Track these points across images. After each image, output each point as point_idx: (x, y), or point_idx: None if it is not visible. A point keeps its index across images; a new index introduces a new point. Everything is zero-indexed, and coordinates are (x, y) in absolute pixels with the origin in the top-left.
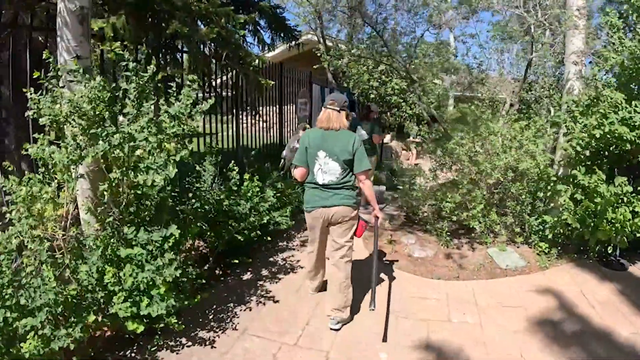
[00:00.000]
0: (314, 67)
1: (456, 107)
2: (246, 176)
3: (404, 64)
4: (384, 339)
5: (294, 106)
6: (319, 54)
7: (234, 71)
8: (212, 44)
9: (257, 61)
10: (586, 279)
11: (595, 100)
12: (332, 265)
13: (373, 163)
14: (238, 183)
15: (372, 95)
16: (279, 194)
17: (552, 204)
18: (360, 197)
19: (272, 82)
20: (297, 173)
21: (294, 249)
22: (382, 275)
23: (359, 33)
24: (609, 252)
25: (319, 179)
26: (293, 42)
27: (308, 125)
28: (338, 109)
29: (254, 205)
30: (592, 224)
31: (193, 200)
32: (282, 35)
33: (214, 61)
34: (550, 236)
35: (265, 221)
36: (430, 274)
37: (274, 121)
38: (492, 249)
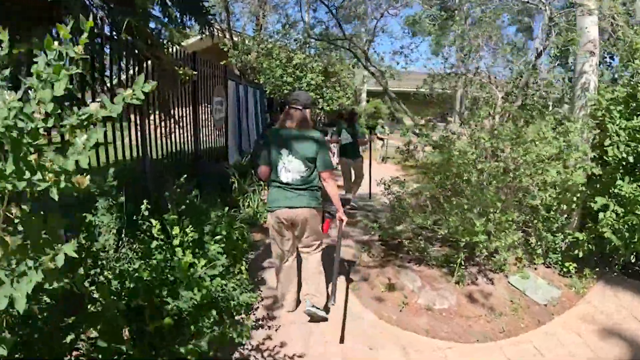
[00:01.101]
0: (221, 63)
1: (369, 101)
2: (175, 231)
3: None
4: None
5: (209, 106)
6: (225, 49)
7: (137, 55)
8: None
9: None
10: (630, 299)
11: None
12: (303, 259)
13: (360, 167)
14: (163, 245)
15: (285, 92)
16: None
17: (573, 218)
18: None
19: (194, 72)
20: (261, 172)
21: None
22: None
23: (270, 25)
24: (632, 262)
25: (283, 177)
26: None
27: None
28: (301, 107)
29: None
30: (628, 237)
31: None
32: (193, 17)
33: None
34: (580, 255)
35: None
36: (472, 334)
37: (188, 125)
38: (513, 278)
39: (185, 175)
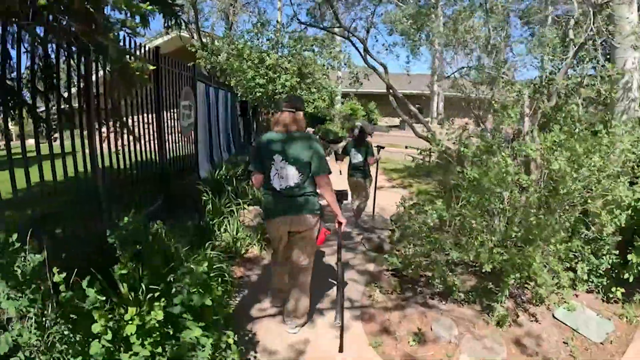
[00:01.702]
0: (189, 65)
1: (344, 103)
2: (129, 311)
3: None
4: None
5: (175, 112)
6: (193, 50)
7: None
8: None
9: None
10: None
11: None
12: (293, 275)
13: (368, 187)
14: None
15: (258, 94)
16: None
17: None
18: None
19: (152, 67)
20: (254, 179)
21: None
22: None
23: (241, 24)
24: None
25: (276, 184)
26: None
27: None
28: (294, 109)
29: None
30: None
31: None
32: (156, 6)
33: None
34: (631, 279)
35: None
36: None
37: (151, 133)
38: (560, 312)
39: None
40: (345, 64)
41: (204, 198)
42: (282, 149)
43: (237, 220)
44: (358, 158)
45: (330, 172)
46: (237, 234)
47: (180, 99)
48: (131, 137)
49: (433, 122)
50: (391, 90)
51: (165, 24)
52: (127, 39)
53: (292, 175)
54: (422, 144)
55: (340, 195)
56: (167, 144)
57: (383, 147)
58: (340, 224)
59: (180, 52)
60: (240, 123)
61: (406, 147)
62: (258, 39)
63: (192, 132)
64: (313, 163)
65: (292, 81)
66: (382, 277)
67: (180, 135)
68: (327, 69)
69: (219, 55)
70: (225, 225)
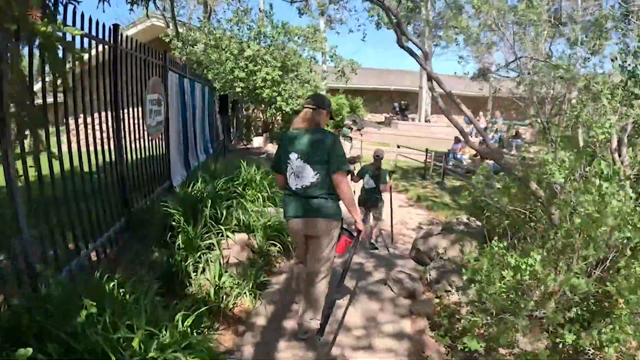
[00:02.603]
0: (159, 51)
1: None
2: None
3: None
4: None
5: (140, 109)
6: (167, 40)
7: None
8: None
9: None
10: None
11: None
12: (309, 281)
13: (382, 209)
14: None
15: (238, 89)
16: None
17: None
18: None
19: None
20: (279, 181)
21: None
22: None
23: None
24: None
25: (292, 184)
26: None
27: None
28: (315, 106)
29: None
30: None
31: None
32: None
33: None
34: None
35: None
36: None
37: (108, 135)
38: None
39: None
40: (331, 58)
41: (175, 221)
42: (298, 147)
43: (220, 259)
44: (371, 184)
45: (349, 171)
46: (219, 279)
47: (147, 92)
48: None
49: (421, 118)
50: (435, 84)
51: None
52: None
53: (308, 175)
54: (414, 142)
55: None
56: (128, 147)
57: (394, 172)
58: (358, 231)
59: (156, 44)
60: (219, 120)
61: (398, 147)
62: (239, 29)
63: (163, 132)
64: (330, 160)
65: (274, 74)
66: (427, 344)
67: (146, 136)
68: (311, 62)
69: (195, 45)
70: (204, 265)
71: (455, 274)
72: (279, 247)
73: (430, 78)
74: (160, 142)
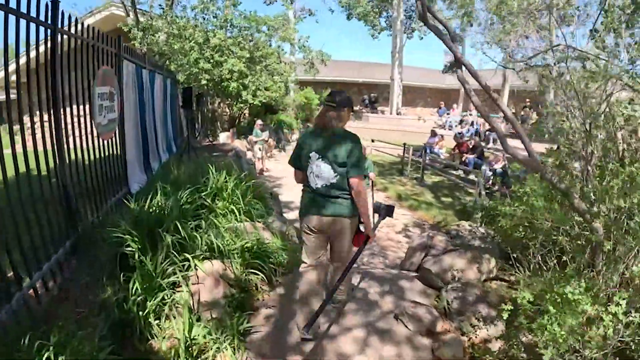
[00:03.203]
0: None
1: (296, 92)
2: None
3: None
4: None
5: (87, 104)
6: (126, 29)
7: None
8: None
9: None
10: None
11: None
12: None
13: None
14: None
15: (203, 81)
16: None
17: None
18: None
19: None
20: (295, 175)
21: None
22: None
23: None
24: None
25: (312, 183)
26: None
27: None
28: (335, 104)
29: None
30: None
31: None
32: None
33: None
34: None
35: None
36: None
37: (47, 138)
38: None
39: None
40: (300, 49)
41: (131, 249)
42: (319, 147)
43: (189, 301)
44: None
45: (365, 175)
46: (190, 331)
47: (96, 85)
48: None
49: (393, 111)
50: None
51: None
52: None
53: (328, 175)
54: (386, 136)
55: (386, 210)
56: (72, 150)
57: None
58: (367, 237)
59: (116, 35)
60: (183, 116)
61: (373, 141)
62: (204, 18)
63: (117, 131)
64: (349, 162)
65: (241, 65)
66: None
67: (95, 137)
68: (280, 53)
69: (157, 34)
70: (169, 311)
71: (482, 302)
72: (262, 277)
73: (459, 64)
74: (115, 142)
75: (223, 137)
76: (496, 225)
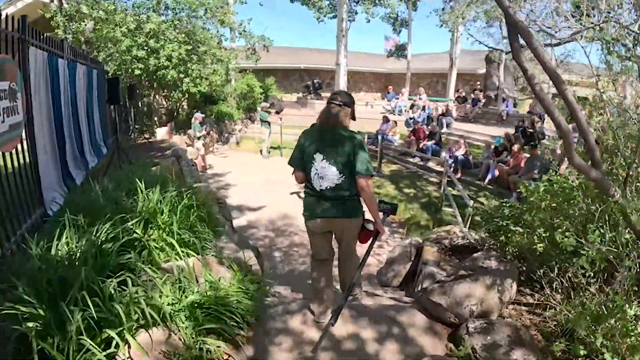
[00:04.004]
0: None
1: (237, 80)
2: None
3: None
4: None
5: None
6: (48, 16)
7: None
8: None
9: None
10: None
11: None
12: (341, 263)
13: None
14: None
15: (136, 71)
16: None
17: None
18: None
19: None
20: (296, 176)
21: None
22: None
23: None
24: None
25: (316, 184)
26: None
27: None
28: (341, 103)
29: None
30: None
31: None
32: None
33: None
34: None
35: None
36: None
37: None
38: None
39: None
40: (240, 34)
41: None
42: (323, 148)
43: None
44: None
45: (372, 175)
46: None
47: None
48: None
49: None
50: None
51: None
52: None
53: (332, 176)
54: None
55: (391, 209)
56: None
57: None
58: (377, 232)
59: (42, 26)
60: (115, 111)
61: None
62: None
63: (22, 135)
64: (354, 162)
65: (181, 51)
66: None
67: None
68: (221, 39)
69: (83, 21)
70: None
71: (518, 345)
72: (224, 345)
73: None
74: (22, 152)
75: (160, 133)
76: (510, 238)
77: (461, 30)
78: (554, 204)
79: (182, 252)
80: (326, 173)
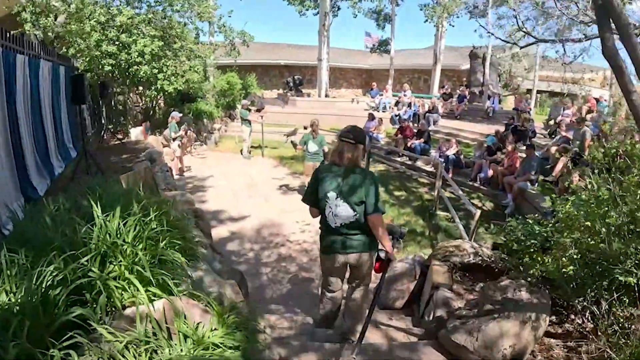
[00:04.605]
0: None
1: (216, 77)
2: None
3: None
4: None
5: None
6: (14, 12)
7: None
8: None
9: None
10: None
11: None
12: (348, 289)
13: None
14: None
15: (107, 67)
16: None
17: None
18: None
19: None
20: (311, 212)
21: None
22: None
23: None
24: None
25: (331, 222)
26: None
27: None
28: (354, 141)
29: None
30: None
31: None
32: None
33: None
34: None
35: None
36: None
37: None
38: None
39: None
40: (219, 29)
41: None
42: (337, 186)
43: None
44: (314, 148)
45: (383, 212)
46: None
47: None
48: None
49: (321, 93)
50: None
51: None
52: None
53: (347, 214)
54: (322, 121)
55: (400, 234)
56: None
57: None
58: (390, 260)
59: (11, 23)
60: (86, 112)
61: (305, 128)
62: None
63: None
64: (367, 201)
65: (154, 47)
66: None
67: None
68: (198, 34)
69: (51, 16)
70: None
71: None
72: None
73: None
74: None
75: (135, 134)
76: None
77: (446, 26)
78: (587, 222)
79: (149, 292)
80: (340, 212)
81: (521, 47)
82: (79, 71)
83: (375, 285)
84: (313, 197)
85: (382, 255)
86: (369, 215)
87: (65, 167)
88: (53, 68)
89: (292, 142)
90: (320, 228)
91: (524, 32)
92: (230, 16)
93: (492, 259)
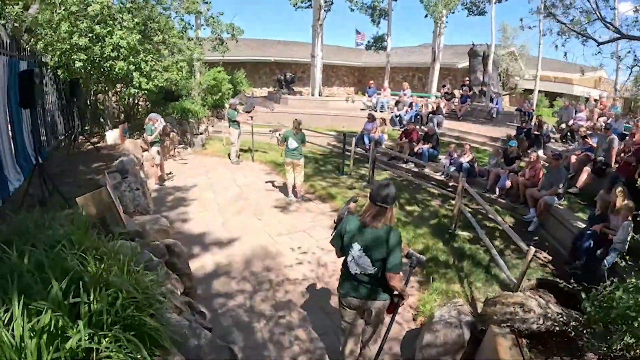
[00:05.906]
0: None
1: (203, 73)
2: None
3: None
4: None
5: None
6: None
7: None
8: None
9: None
10: None
11: None
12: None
13: (302, 164)
14: None
15: (78, 63)
16: None
17: None
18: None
19: None
20: (336, 252)
21: None
22: None
23: None
24: None
25: (351, 268)
26: None
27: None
28: (387, 206)
29: None
30: None
31: None
32: None
33: None
34: None
35: None
36: None
37: None
38: None
39: None
40: (207, 22)
41: None
42: (361, 240)
43: None
44: (294, 145)
45: (400, 271)
46: None
47: None
48: None
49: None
50: None
51: None
52: None
53: (367, 266)
54: (314, 121)
55: (417, 261)
56: None
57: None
58: (402, 298)
59: None
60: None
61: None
62: None
63: None
64: (388, 259)
65: (131, 39)
66: None
67: None
68: (185, 28)
69: (20, 3)
70: None
71: None
72: None
73: None
74: None
75: (111, 137)
76: None
77: (444, 22)
78: None
79: None
80: (361, 262)
81: (599, 44)
82: (49, 67)
83: (386, 329)
84: (338, 243)
85: (394, 297)
86: (388, 272)
87: (23, 181)
88: (10, 63)
89: (277, 137)
90: (341, 270)
91: (610, 27)
92: (212, 15)
93: (566, 319)
